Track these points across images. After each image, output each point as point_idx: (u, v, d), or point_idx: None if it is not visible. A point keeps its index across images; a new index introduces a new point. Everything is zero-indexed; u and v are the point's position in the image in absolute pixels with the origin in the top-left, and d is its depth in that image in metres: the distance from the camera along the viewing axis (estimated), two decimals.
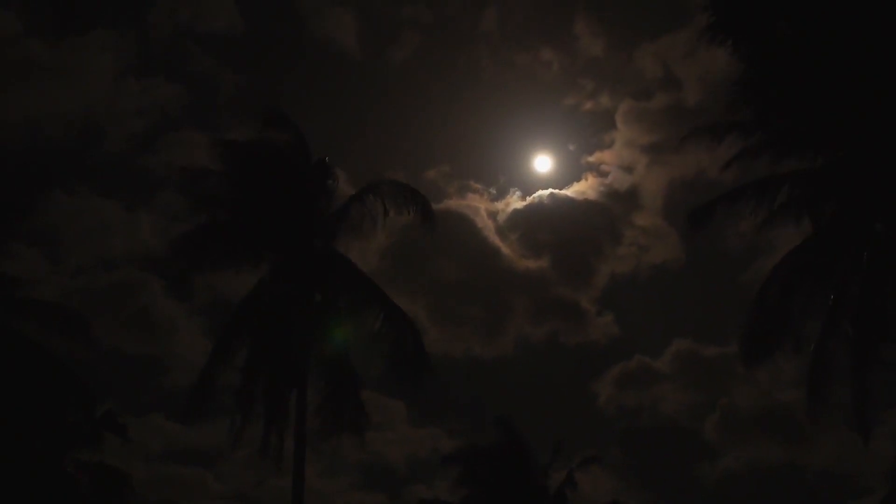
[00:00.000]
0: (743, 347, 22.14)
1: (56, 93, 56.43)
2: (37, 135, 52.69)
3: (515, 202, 56.22)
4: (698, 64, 57.20)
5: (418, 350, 25.28)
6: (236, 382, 25.21)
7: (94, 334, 26.34)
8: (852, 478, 48.87)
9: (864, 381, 21.08)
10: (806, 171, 21.43)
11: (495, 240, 54.96)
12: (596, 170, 56.27)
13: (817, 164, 21.27)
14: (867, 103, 19.66)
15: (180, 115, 57.33)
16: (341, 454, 43.00)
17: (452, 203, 53.04)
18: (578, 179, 59.26)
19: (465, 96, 59.81)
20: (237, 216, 25.86)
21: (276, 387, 25.20)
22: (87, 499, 25.96)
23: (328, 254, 26.09)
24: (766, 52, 19.82)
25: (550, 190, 56.02)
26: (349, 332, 25.61)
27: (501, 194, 63.40)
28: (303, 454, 24.89)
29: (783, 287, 21.65)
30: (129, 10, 59.50)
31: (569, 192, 55.96)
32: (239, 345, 25.47)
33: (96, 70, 56.70)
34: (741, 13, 19.87)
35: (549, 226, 55.49)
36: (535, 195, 56.01)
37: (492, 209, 57.30)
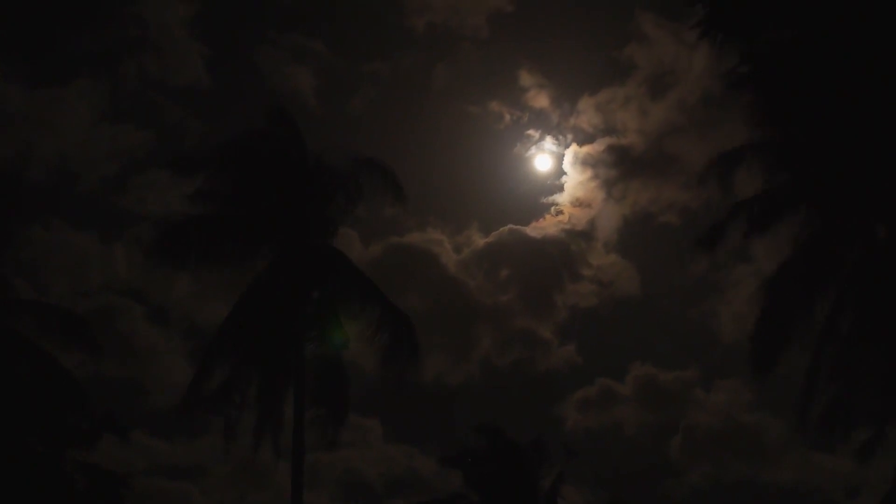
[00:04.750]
0: (751, 356, 21.87)
1: (33, 138, 60.20)
2: (14, 177, 56.06)
3: (477, 238, 58.27)
4: (636, 116, 61.60)
5: (412, 346, 25.31)
6: (231, 380, 24.93)
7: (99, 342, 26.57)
8: (815, 493, 50.24)
9: (861, 396, 21.28)
10: (805, 175, 21.01)
11: (458, 273, 56.69)
12: (550, 210, 58.73)
13: (815, 165, 20.63)
14: (868, 101, 18.84)
15: (149, 159, 61.09)
16: (320, 468, 43.81)
17: (416, 237, 55.35)
18: (536, 219, 61.85)
19: (421, 145, 62.76)
20: (233, 210, 25.86)
21: (272, 386, 25.08)
22: (85, 499, 25.79)
23: (326, 250, 26.15)
24: (762, 48, 18.92)
25: (510, 226, 58.08)
26: (346, 333, 25.53)
27: (462, 230, 65.36)
28: (301, 451, 24.76)
29: (782, 294, 21.52)
30: (103, 62, 64.71)
31: (527, 229, 58.23)
32: (235, 343, 25.09)
33: (72, 117, 60.36)
34: (735, 7, 18.74)
35: (511, 261, 57.53)
36: (496, 232, 58.20)
37: (454, 244, 59.43)
